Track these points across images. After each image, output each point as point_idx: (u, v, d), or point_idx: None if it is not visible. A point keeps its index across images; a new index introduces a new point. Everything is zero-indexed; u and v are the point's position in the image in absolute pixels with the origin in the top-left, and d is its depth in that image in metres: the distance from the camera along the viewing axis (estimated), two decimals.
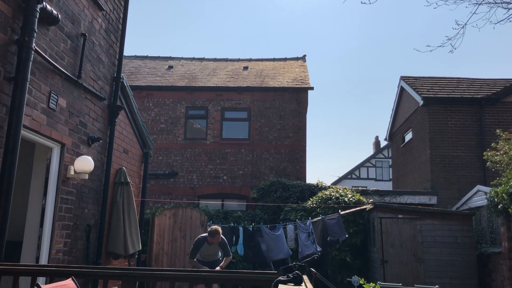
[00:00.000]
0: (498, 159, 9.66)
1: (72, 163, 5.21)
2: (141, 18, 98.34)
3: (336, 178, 34.91)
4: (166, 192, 14.29)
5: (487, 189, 9.25)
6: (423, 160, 14.17)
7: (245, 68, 17.48)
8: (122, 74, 6.58)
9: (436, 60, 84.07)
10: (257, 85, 15.31)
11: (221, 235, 7.09)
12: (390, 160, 26.86)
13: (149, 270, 4.12)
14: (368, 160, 35.18)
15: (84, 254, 5.69)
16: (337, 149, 65.90)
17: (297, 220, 10.50)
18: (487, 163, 10.25)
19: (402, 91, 16.66)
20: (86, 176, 5.37)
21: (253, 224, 10.87)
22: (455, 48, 7.14)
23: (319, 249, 9.46)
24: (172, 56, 18.95)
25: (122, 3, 6.83)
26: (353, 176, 34.92)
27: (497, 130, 10.34)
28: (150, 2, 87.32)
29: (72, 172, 5.17)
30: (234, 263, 10.46)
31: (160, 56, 18.90)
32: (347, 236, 9.75)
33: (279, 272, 4.25)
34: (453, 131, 13.61)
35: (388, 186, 26.78)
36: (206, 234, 7.14)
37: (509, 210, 7.75)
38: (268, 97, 15.07)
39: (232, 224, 10.83)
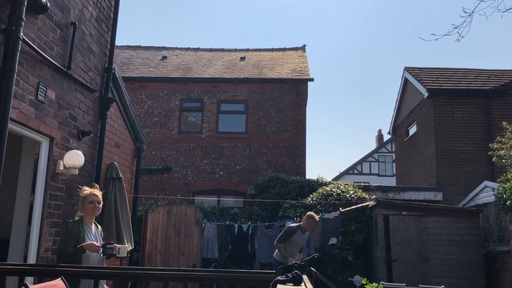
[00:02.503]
0: (503, 153, 9.40)
1: (62, 158, 5.11)
2: (134, 8, 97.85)
3: (337, 174, 34.66)
4: (159, 188, 14.02)
5: (495, 185, 9.01)
6: (428, 154, 13.92)
7: (242, 58, 17.08)
8: (113, 65, 6.47)
9: (441, 52, 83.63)
10: (254, 76, 14.98)
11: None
12: (393, 155, 26.50)
13: (142, 270, 4.15)
14: (370, 154, 34.85)
15: None
16: (338, 143, 65.36)
17: (295, 218, 10.28)
18: (493, 158, 9.98)
19: (406, 82, 16.37)
20: (76, 172, 5.29)
21: (249, 222, 10.66)
22: (462, 37, 6.82)
23: (316, 253, 9.18)
24: (166, 46, 18.37)
25: None
26: (355, 171, 34.65)
27: (503, 123, 10.07)
28: None
29: (61, 167, 5.08)
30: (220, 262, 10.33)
31: (154, 46, 18.30)
32: (340, 238, 9.54)
33: (278, 271, 4.12)
34: (459, 124, 13.32)
35: (391, 181, 26.48)
36: (297, 223, 7.57)
37: None
38: (266, 89, 14.76)
39: (227, 222, 10.63)
